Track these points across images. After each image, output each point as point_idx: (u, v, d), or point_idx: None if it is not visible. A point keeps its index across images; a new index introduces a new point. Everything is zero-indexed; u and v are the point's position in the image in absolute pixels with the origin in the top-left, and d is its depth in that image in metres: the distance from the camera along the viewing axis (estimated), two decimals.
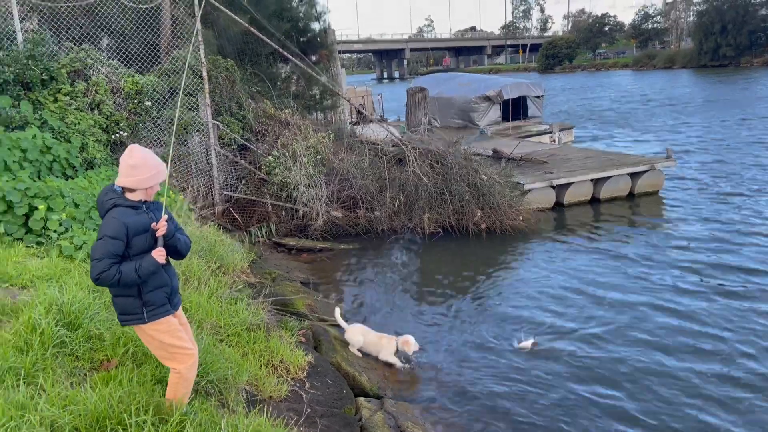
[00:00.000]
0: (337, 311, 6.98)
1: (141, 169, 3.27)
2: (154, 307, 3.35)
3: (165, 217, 3.37)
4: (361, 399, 5.51)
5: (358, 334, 6.65)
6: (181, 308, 3.68)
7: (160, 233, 3.33)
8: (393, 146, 13.06)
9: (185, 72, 8.29)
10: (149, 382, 3.79)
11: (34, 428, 2.99)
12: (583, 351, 6.86)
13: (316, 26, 17.35)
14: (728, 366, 6.38)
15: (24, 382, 3.42)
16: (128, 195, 3.33)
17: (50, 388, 3.43)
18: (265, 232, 10.88)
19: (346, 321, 7.08)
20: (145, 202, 3.40)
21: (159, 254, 3.29)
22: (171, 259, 3.59)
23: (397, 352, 6.56)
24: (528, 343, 6.93)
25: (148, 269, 3.23)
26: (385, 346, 6.56)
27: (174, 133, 5.85)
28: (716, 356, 6.60)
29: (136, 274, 3.20)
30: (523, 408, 5.81)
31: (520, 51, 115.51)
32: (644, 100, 38.06)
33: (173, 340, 3.41)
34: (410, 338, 6.55)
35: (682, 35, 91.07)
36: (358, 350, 6.64)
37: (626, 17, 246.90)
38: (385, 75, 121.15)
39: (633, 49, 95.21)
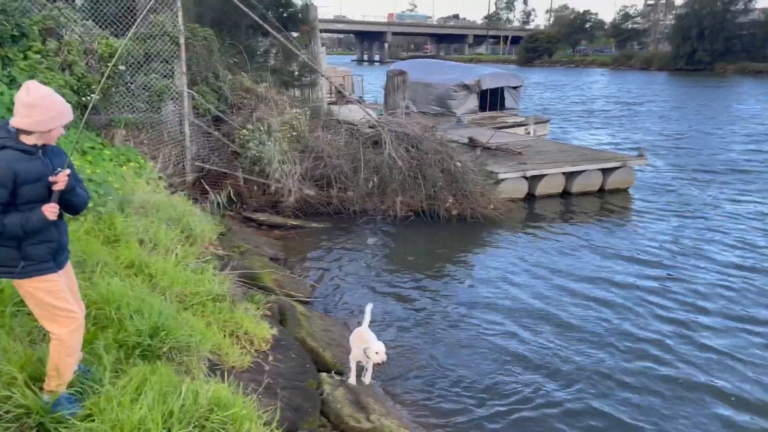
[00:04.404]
0: (368, 307, 5.74)
1: (39, 109, 2.93)
2: (33, 263, 2.98)
3: (67, 171, 3.01)
4: (324, 374, 5.53)
5: (357, 341, 5.53)
6: (69, 265, 3.34)
7: (57, 187, 2.96)
8: (370, 128, 13.01)
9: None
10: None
11: None
12: (539, 335, 7.00)
13: (298, 1, 17.14)
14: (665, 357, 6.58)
15: None
16: (23, 137, 2.96)
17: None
18: (236, 206, 10.77)
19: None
20: (44, 146, 3.05)
21: (51, 210, 2.94)
22: (65, 214, 3.25)
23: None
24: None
25: (36, 225, 2.90)
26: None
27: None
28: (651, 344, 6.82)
29: (22, 229, 2.88)
30: (483, 385, 5.91)
31: (501, 42, 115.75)
32: (620, 100, 38.63)
33: (56, 301, 3.04)
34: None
35: (660, 38, 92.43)
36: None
37: (607, 16, 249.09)
38: (366, 57, 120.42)
39: (612, 48, 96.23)
